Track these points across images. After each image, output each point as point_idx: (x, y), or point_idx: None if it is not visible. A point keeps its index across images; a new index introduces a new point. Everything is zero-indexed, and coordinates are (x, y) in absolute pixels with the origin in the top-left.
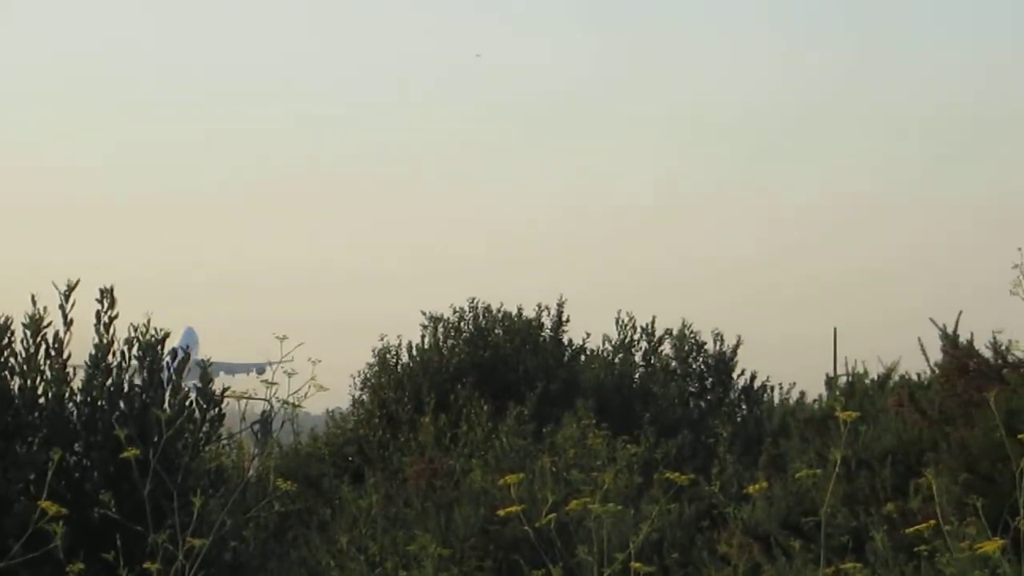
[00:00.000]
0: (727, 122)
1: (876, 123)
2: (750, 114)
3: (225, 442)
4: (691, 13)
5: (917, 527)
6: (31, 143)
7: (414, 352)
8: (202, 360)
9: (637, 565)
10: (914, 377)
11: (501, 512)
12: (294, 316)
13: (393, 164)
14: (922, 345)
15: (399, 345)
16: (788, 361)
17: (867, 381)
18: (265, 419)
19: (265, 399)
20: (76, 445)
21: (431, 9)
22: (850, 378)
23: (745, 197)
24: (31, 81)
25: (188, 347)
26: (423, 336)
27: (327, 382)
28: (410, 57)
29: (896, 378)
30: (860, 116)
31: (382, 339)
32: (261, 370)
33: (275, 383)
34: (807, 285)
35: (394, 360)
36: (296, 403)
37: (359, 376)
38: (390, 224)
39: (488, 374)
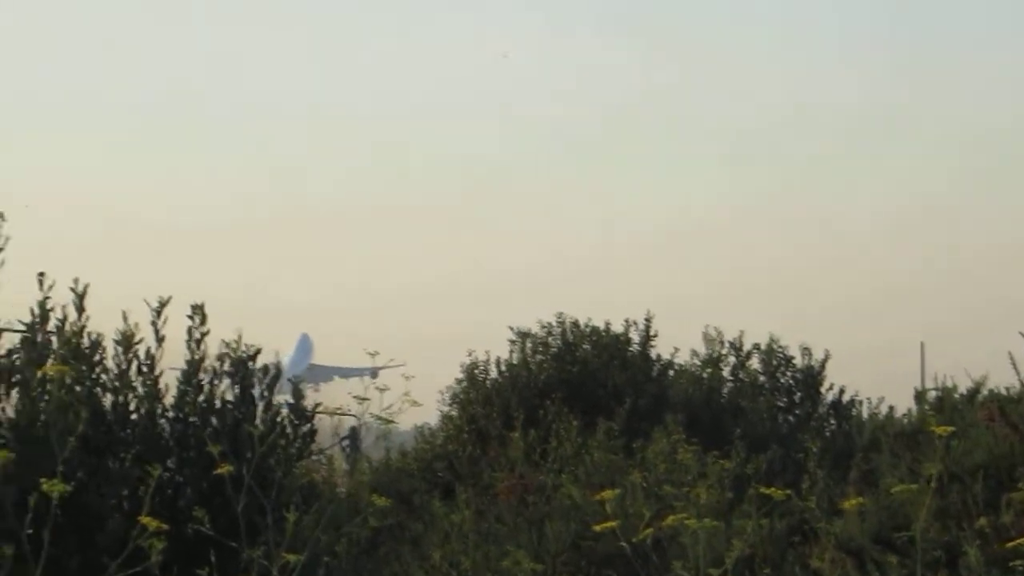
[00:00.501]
0: (790, 130)
1: (950, 125)
2: (815, 120)
3: (315, 458)
4: (751, 25)
5: (1011, 542)
6: (127, 164)
7: (503, 367)
8: (293, 377)
9: None
10: (1003, 391)
11: (597, 527)
12: (392, 330)
13: (464, 185)
14: (1013, 360)
15: (487, 360)
16: (870, 371)
17: (956, 395)
18: (354, 435)
19: (355, 415)
20: (168, 461)
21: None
22: (939, 392)
23: (816, 204)
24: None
25: (303, 353)
26: (511, 351)
27: (416, 397)
28: (479, 78)
29: (985, 392)
30: (934, 117)
31: (470, 354)
32: (374, 374)
33: (367, 398)
34: (886, 294)
35: (483, 375)
36: (390, 419)
37: (448, 392)
38: (474, 242)
39: (577, 389)
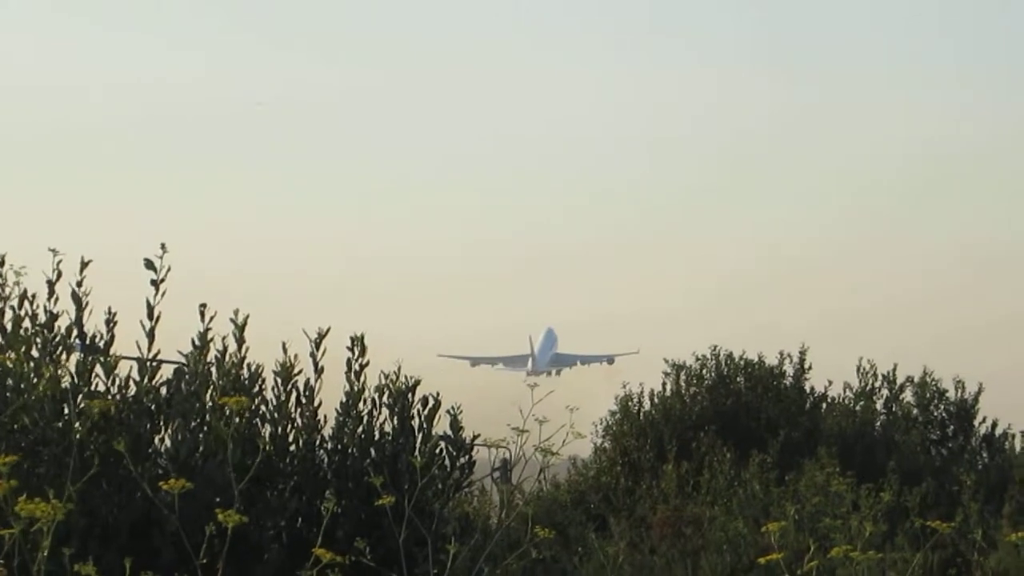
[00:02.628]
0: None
1: None
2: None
3: (467, 489)
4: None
5: None
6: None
7: (656, 400)
8: (453, 407)
9: None
10: None
11: (762, 560)
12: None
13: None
14: None
15: (641, 392)
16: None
17: None
18: (505, 466)
19: (505, 446)
20: (327, 492)
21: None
22: None
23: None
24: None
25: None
26: (664, 383)
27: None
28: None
29: None
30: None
31: (624, 386)
32: (611, 361)
33: (526, 430)
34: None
35: (636, 407)
36: (553, 451)
37: (601, 423)
38: (619, 278)
39: (730, 422)
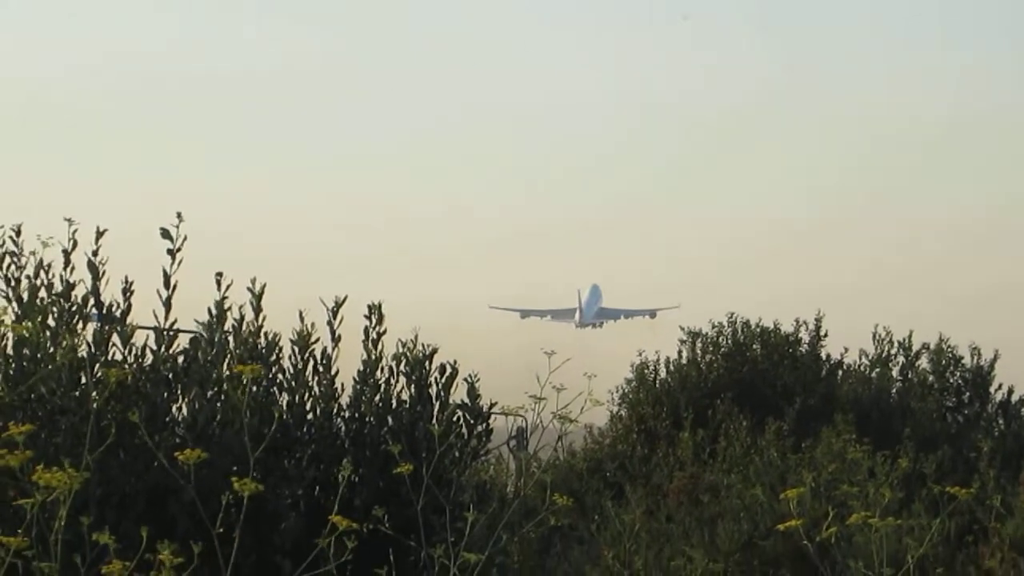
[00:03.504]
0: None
1: None
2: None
3: (484, 458)
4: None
5: None
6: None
7: (672, 367)
8: (470, 375)
9: None
10: None
11: (781, 527)
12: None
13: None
14: None
15: (657, 360)
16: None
17: None
18: (521, 434)
19: (521, 415)
20: (344, 460)
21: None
22: None
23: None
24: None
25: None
26: (680, 351)
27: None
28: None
29: None
30: None
31: (640, 354)
32: (653, 315)
33: (543, 398)
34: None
35: (652, 375)
36: (571, 418)
37: (617, 392)
38: (612, 252)
39: (746, 389)
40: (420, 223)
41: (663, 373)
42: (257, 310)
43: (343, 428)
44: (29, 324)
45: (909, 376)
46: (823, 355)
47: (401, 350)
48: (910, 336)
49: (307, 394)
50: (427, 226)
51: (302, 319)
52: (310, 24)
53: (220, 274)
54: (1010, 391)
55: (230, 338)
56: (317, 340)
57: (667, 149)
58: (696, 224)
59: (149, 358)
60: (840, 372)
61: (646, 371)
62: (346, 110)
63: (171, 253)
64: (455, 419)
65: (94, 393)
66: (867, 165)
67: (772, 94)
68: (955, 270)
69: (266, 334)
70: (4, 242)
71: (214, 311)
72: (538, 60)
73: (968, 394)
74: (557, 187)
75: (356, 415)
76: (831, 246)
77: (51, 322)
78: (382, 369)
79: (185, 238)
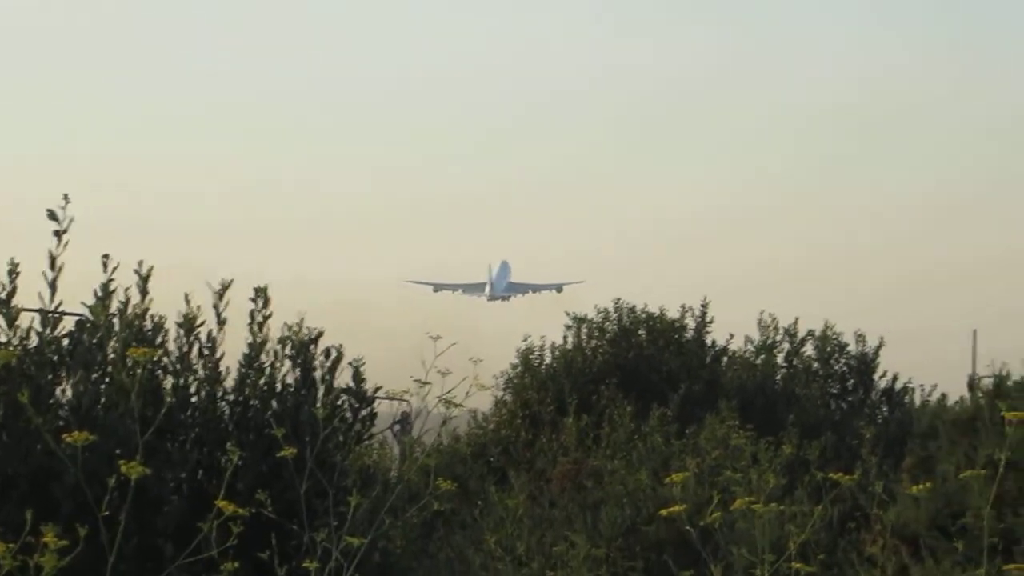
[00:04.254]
0: (837, 114)
1: (991, 112)
2: (858, 109)
3: (367, 442)
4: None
5: None
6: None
7: (557, 353)
8: (355, 359)
9: (799, 565)
10: None
11: (664, 512)
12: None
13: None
14: None
15: (542, 346)
16: (920, 357)
17: (1010, 382)
18: (405, 419)
19: (405, 400)
20: (228, 444)
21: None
22: (994, 379)
23: (856, 188)
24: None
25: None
26: (566, 337)
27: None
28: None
29: None
30: (976, 105)
31: (525, 340)
32: (559, 289)
33: (428, 383)
34: (935, 281)
35: (537, 361)
36: (457, 403)
37: (502, 377)
38: (530, 230)
39: (631, 375)
40: (335, 197)
41: (548, 359)
42: (143, 292)
43: (228, 411)
44: None
45: (794, 363)
46: (708, 341)
47: (286, 333)
48: (795, 323)
49: (192, 377)
50: (343, 200)
51: (188, 302)
52: None
53: (107, 256)
54: (894, 378)
55: (115, 320)
56: (203, 323)
57: (587, 128)
58: (609, 206)
59: (35, 340)
60: (725, 359)
61: (531, 356)
62: (253, 71)
63: (57, 235)
64: (339, 403)
65: None
66: (790, 154)
67: (699, 79)
68: (855, 263)
69: (152, 316)
70: None
71: (100, 293)
72: (458, 27)
73: (852, 381)
74: (469, 160)
75: (241, 398)
76: (741, 235)
77: None
78: (267, 352)
79: (71, 220)
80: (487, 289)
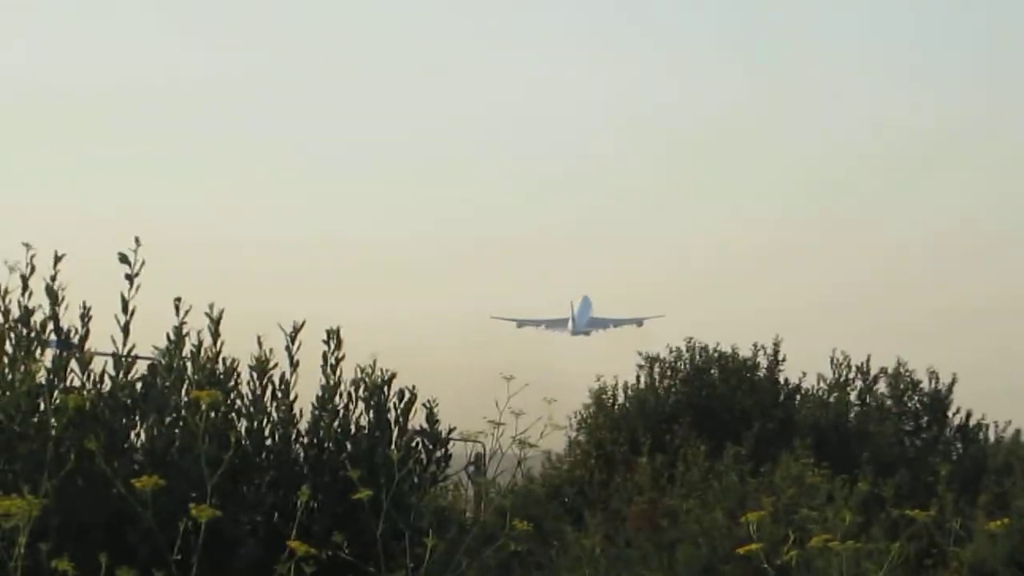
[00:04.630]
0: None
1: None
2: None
3: (443, 483)
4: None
5: None
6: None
7: (630, 392)
8: (429, 400)
9: None
10: None
11: (741, 550)
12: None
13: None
14: None
15: (615, 386)
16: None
17: None
18: (479, 460)
19: (480, 441)
20: (303, 486)
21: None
22: None
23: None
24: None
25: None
26: (639, 376)
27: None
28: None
29: None
30: (997, 142)
31: (598, 379)
32: (640, 323)
33: (502, 423)
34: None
35: (610, 400)
36: (531, 443)
37: (575, 417)
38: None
39: (704, 414)
40: (407, 236)
41: (621, 398)
42: (215, 335)
43: (302, 454)
44: None
45: (867, 400)
46: (781, 379)
47: (359, 375)
48: (868, 360)
49: (265, 420)
50: (415, 240)
51: (260, 344)
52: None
53: (179, 299)
54: (968, 415)
55: (188, 363)
56: (275, 365)
57: (644, 164)
58: (673, 240)
59: (108, 384)
60: (798, 396)
61: (604, 396)
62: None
63: (129, 278)
64: (414, 444)
65: (53, 420)
66: (838, 186)
67: (753, 109)
68: (916, 293)
69: (224, 359)
70: None
71: (172, 337)
72: (524, 67)
73: (926, 418)
74: (535, 200)
75: (315, 441)
76: (797, 267)
77: (9, 348)
78: (340, 394)
79: (143, 263)
80: (569, 324)
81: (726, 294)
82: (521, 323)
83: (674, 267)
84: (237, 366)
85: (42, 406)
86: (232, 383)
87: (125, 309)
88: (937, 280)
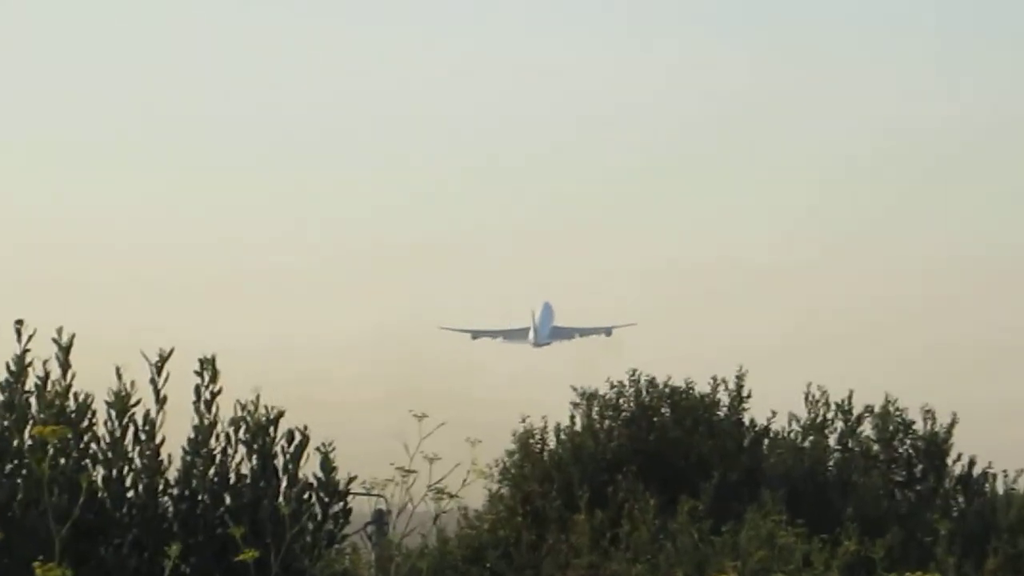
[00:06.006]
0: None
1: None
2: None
3: (341, 544)
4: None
5: None
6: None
7: (563, 436)
8: (323, 444)
9: None
10: None
11: None
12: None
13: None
14: None
15: (544, 428)
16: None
17: None
18: (380, 518)
19: (381, 495)
20: (173, 545)
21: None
22: None
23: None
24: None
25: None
26: (573, 416)
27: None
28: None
29: None
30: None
31: (524, 421)
32: (609, 333)
33: (413, 471)
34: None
35: (539, 446)
36: (450, 492)
37: (497, 466)
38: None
39: (654, 461)
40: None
41: (552, 443)
42: (65, 366)
43: (171, 507)
44: None
45: (850, 445)
46: (746, 420)
47: (240, 412)
48: (850, 397)
49: (127, 466)
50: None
51: (120, 376)
52: None
53: (20, 322)
54: (971, 462)
55: (32, 400)
56: (139, 402)
57: (612, 165)
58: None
59: None
60: (766, 440)
61: (531, 441)
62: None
63: None
64: (306, 497)
65: None
66: (827, 211)
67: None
68: (906, 327)
69: (76, 395)
70: None
71: (12, 367)
72: (499, 60)
73: (921, 466)
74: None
75: (186, 492)
76: (776, 296)
77: None
78: (217, 436)
79: None
80: (531, 335)
81: (693, 318)
82: (476, 334)
83: (644, 280)
84: (92, 402)
85: None
86: (86, 422)
87: None
88: (936, 309)
